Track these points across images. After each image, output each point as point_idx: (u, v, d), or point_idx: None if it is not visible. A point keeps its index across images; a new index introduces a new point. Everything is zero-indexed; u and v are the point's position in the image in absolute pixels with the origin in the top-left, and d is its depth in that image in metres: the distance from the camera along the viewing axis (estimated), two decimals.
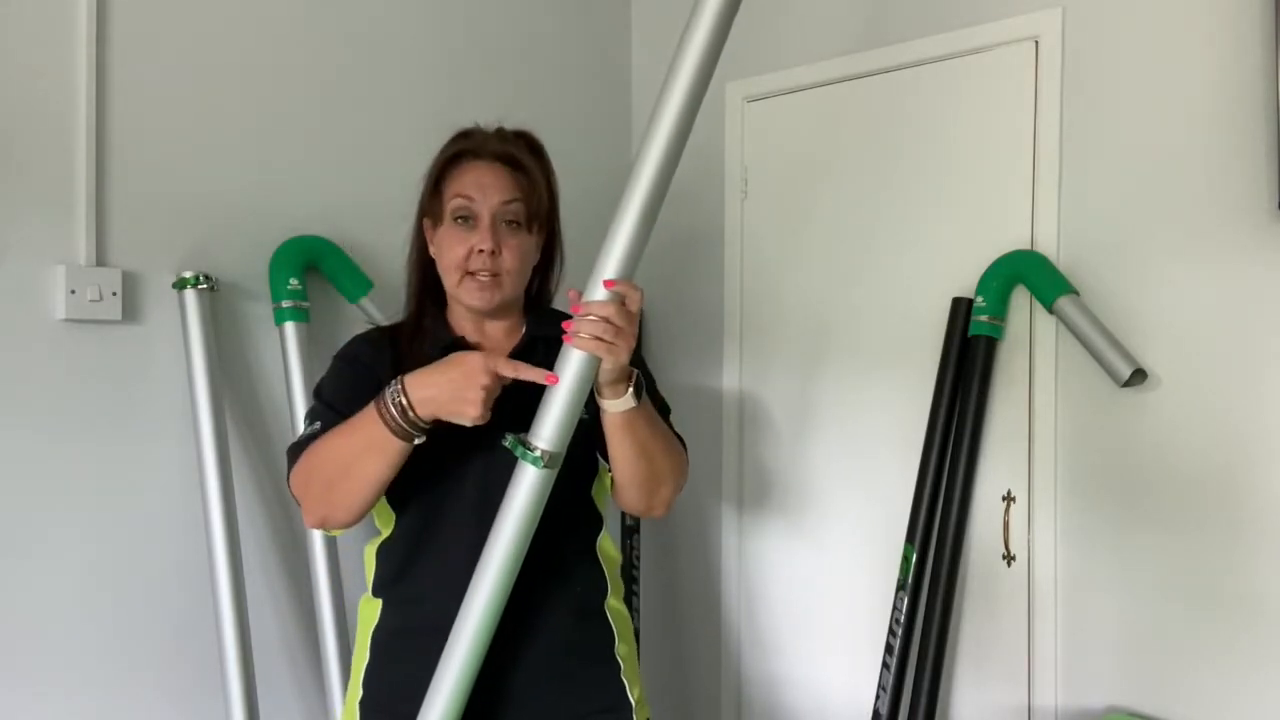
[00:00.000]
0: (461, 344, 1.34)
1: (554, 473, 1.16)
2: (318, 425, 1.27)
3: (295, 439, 1.30)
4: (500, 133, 1.37)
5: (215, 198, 1.87)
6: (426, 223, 1.36)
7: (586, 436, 1.30)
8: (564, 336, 1.12)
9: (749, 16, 2.64)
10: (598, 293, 1.14)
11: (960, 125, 2.19)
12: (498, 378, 1.13)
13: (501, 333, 1.38)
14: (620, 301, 1.13)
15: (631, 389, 1.18)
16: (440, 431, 1.26)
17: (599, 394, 1.18)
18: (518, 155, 1.35)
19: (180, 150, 1.82)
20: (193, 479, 1.78)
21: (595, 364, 1.13)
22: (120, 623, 1.74)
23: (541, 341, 1.36)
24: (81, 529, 1.69)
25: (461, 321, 1.37)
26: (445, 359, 1.16)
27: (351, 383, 1.30)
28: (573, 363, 1.13)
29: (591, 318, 1.11)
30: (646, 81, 2.79)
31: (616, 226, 1.16)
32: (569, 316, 1.40)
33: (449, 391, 1.13)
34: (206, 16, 1.86)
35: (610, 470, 1.32)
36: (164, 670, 1.78)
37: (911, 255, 2.26)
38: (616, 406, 1.18)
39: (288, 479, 1.28)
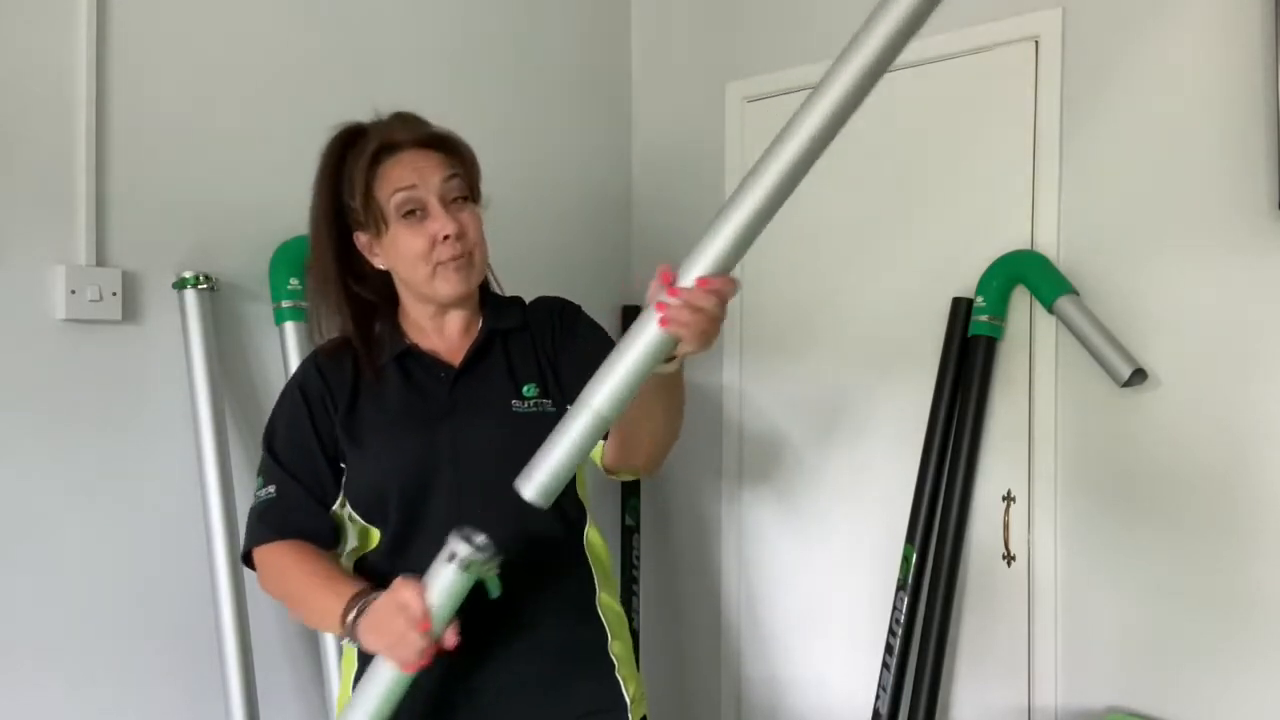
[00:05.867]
0: (414, 351, 1.31)
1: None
2: (272, 491, 1.27)
3: (253, 501, 1.30)
4: (400, 117, 1.31)
5: (215, 198, 1.87)
6: (361, 238, 1.30)
7: (554, 422, 1.30)
8: (660, 321, 1.00)
9: (749, 17, 2.65)
10: (693, 275, 1.01)
11: (960, 125, 2.19)
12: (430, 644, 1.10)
13: (459, 329, 1.34)
14: (719, 296, 1.02)
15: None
16: (406, 445, 1.26)
17: None
18: (434, 133, 1.31)
19: (180, 150, 1.82)
20: (193, 479, 1.77)
21: (670, 347, 1.03)
22: (120, 622, 1.73)
23: (499, 335, 1.34)
24: (81, 529, 1.69)
25: (420, 321, 1.34)
26: (389, 603, 1.10)
27: (300, 433, 1.28)
28: (647, 340, 1.02)
29: (695, 308, 0.99)
30: (647, 81, 2.79)
31: (725, 218, 1.03)
32: (523, 303, 1.38)
33: (386, 645, 1.11)
34: (207, 17, 1.86)
35: (613, 432, 1.28)
36: (164, 670, 1.78)
37: (911, 255, 2.26)
38: (662, 369, 1.10)
39: (247, 547, 1.29)
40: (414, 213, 1.25)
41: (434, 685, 1.26)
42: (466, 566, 1.07)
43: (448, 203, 1.26)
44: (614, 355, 1.04)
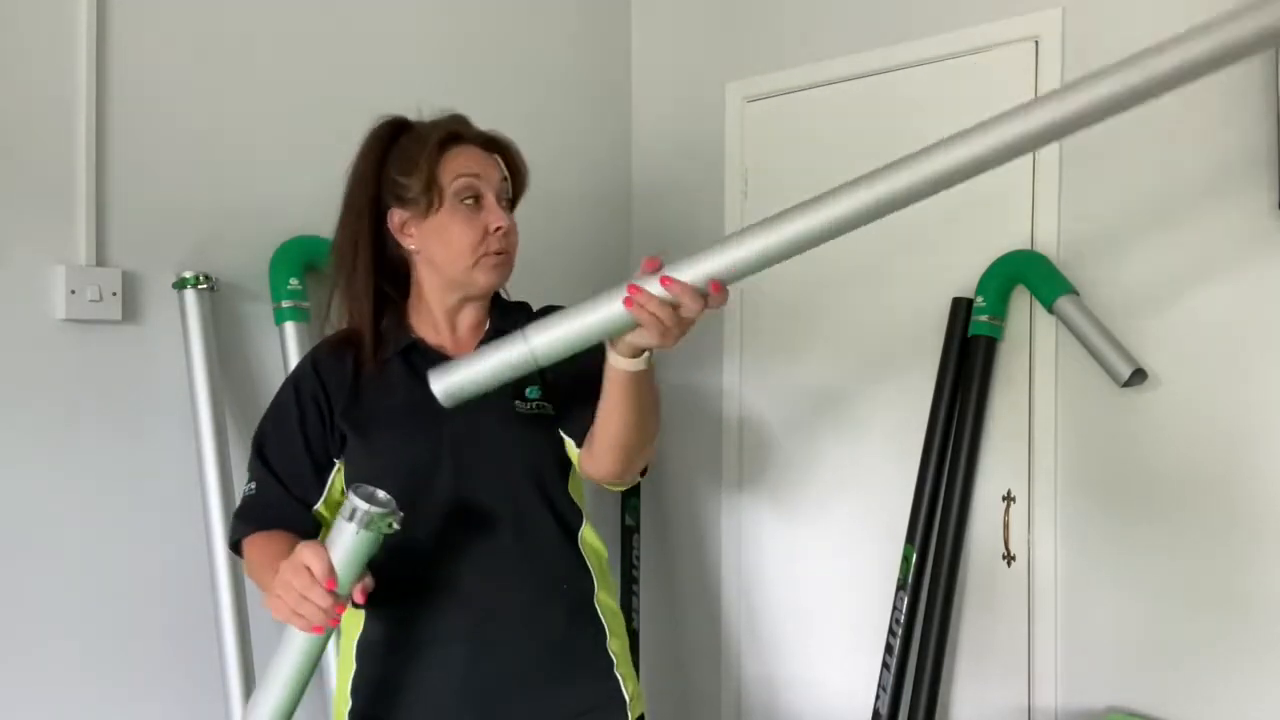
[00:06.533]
0: (420, 346, 1.32)
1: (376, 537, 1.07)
2: (253, 488, 1.28)
3: (241, 497, 1.31)
4: (459, 117, 1.36)
5: (215, 198, 1.87)
6: (401, 215, 1.30)
7: (553, 425, 1.29)
8: (625, 300, 1.02)
9: (749, 17, 2.65)
10: (686, 274, 1.02)
11: (960, 125, 2.18)
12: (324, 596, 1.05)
13: (470, 326, 1.36)
14: (675, 306, 1.02)
15: (649, 352, 1.10)
16: (408, 441, 1.27)
17: (613, 346, 1.10)
18: (498, 138, 1.36)
19: (180, 150, 1.82)
20: (193, 479, 1.77)
21: (625, 327, 1.05)
22: (120, 623, 1.73)
23: (501, 336, 1.35)
24: (81, 528, 1.69)
25: (434, 314, 1.34)
26: (290, 565, 1.07)
27: (286, 433, 1.29)
28: (607, 311, 1.04)
29: (664, 303, 1.01)
30: (647, 81, 2.79)
31: (739, 240, 1.03)
32: (529, 308, 1.40)
33: (290, 607, 1.07)
34: (207, 16, 1.86)
35: (580, 440, 1.28)
36: (164, 670, 1.78)
37: (911, 255, 2.26)
38: (627, 365, 1.11)
39: (229, 541, 1.30)
40: (470, 201, 1.28)
41: (433, 682, 1.26)
42: (368, 523, 1.05)
43: (500, 202, 1.32)
44: (572, 309, 1.06)
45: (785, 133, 2.49)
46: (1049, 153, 2.05)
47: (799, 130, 2.46)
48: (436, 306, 1.34)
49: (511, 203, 1.37)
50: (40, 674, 1.64)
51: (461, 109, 1.40)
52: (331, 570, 1.05)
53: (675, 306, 1.01)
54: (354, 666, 1.30)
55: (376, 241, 1.32)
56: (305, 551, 1.06)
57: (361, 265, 1.31)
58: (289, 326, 1.89)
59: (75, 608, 1.69)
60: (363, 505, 1.05)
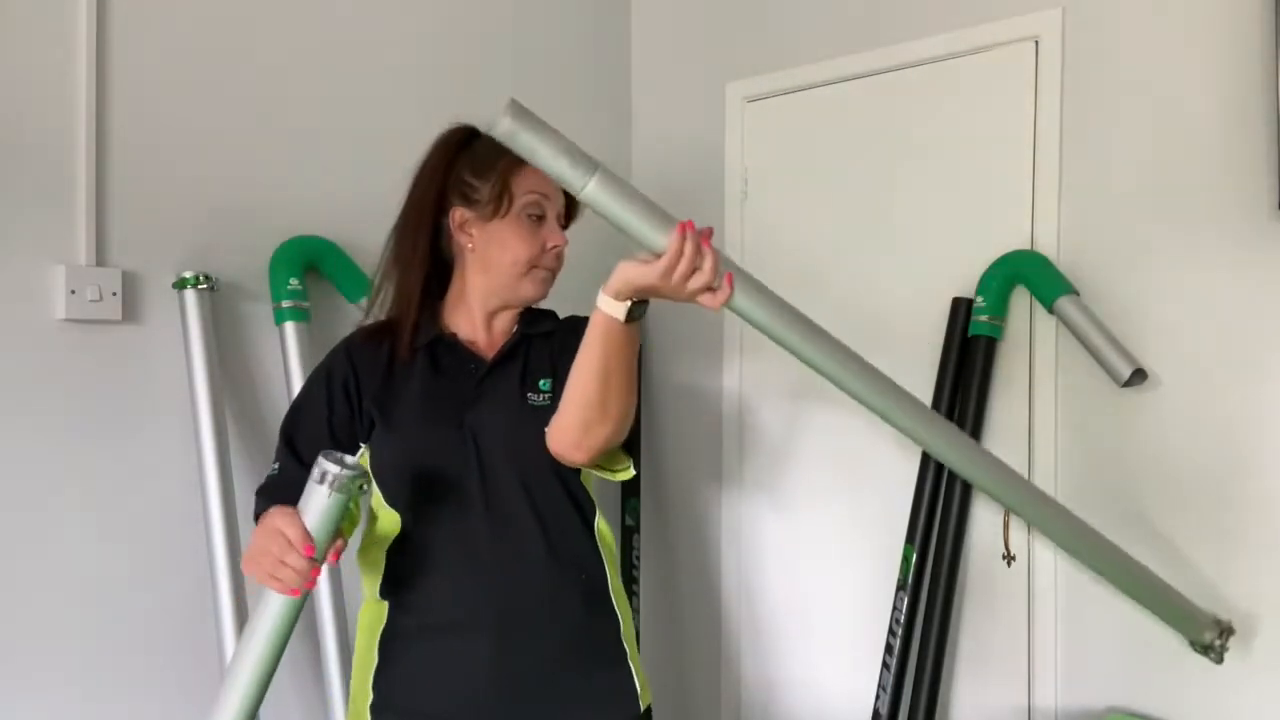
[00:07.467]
0: (450, 340, 1.36)
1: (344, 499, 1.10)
2: (276, 468, 1.31)
3: (266, 476, 1.33)
4: None
5: (215, 198, 1.87)
6: (464, 214, 1.34)
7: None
8: (680, 227, 1.11)
9: (749, 17, 2.65)
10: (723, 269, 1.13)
11: (960, 125, 2.19)
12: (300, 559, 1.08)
13: (504, 329, 1.40)
14: (688, 271, 1.10)
15: (631, 306, 1.13)
16: (428, 430, 1.29)
17: (607, 286, 1.14)
18: None
19: (180, 150, 1.82)
20: (193, 479, 1.78)
21: (655, 242, 1.11)
22: (120, 623, 1.74)
23: (525, 340, 1.39)
24: (81, 529, 1.70)
25: (472, 312, 1.38)
26: (264, 531, 1.10)
27: (313, 415, 1.32)
28: (655, 218, 1.13)
29: (696, 254, 1.09)
30: (647, 81, 2.79)
31: (779, 303, 1.24)
32: (555, 315, 1.45)
33: (266, 572, 1.09)
34: (206, 16, 1.87)
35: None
36: (164, 670, 1.78)
37: (911, 255, 2.26)
38: (609, 307, 1.14)
39: (256, 515, 1.29)
40: (535, 217, 1.35)
41: (460, 671, 1.28)
42: (339, 486, 1.08)
43: (558, 222, 1.39)
44: (640, 196, 1.15)
45: (785, 133, 2.49)
46: (1049, 153, 2.05)
47: (799, 130, 2.46)
48: (479, 307, 1.38)
49: (563, 226, 1.42)
50: (40, 674, 1.64)
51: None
52: (307, 535, 1.08)
53: (695, 270, 1.09)
54: (376, 660, 1.31)
55: (433, 237, 1.37)
56: (278, 517, 1.09)
57: (418, 258, 1.35)
58: (289, 326, 1.89)
59: (75, 608, 1.69)
60: (333, 469, 1.08)
